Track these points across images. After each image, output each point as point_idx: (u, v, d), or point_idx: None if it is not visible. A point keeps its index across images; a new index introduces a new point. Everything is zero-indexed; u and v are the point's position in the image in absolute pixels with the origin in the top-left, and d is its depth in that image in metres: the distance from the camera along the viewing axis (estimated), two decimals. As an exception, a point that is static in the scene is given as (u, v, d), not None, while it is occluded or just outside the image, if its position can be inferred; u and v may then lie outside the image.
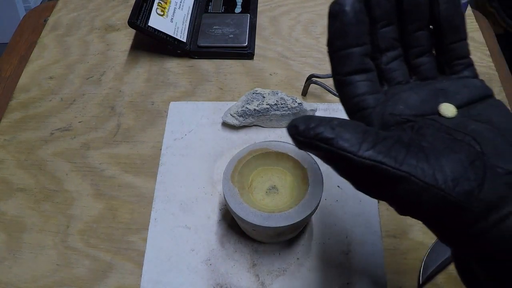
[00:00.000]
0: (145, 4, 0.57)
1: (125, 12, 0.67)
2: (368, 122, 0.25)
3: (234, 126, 0.51)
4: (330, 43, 0.25)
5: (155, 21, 0.57)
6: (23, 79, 0.59)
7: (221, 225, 0.44)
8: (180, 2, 0.62)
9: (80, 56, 0.61)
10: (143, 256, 0.43)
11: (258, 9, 0.65)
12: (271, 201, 0.39)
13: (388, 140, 0.22)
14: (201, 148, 0.50)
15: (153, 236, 0.44)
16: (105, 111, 0.55)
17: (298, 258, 0.42)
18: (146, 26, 0.56)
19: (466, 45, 0.27)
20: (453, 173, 0.21)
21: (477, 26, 0.61)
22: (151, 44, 0.60)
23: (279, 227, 0.36)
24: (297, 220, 0.36)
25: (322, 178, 0.38)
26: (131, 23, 0.55)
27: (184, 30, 0.60)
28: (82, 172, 0.49)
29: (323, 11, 0.64)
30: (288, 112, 0.49)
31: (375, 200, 0.45)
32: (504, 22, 1.24)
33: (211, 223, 0.44)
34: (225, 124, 0.51)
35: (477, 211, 0.20)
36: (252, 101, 0.50)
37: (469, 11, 0.63)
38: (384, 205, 0.45)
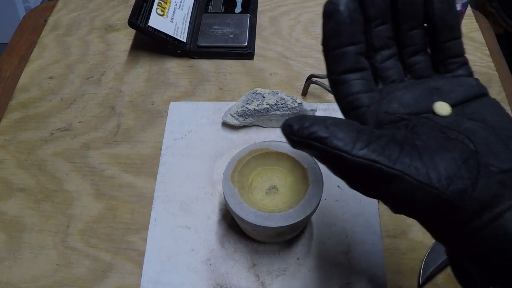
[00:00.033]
0: (145, 4, 0.57)
1: (125, 12, 0.67)
2: (363, 120, 0.25)
3: (234, 126, 0.51)
4: (325, 43, 0.25)
5: (155, 21, 0.57)
6: (23, 79, 0.59)
7: (221, 225, 0.44)
8: (180, 2, 0.62)
9: (80, 56, 0.61)
10: (143, 256, 0.43)
11: (258, 9, 0.65)
12: (271, 201, 0.39)
13: (382, 138, 0.22)
14: (201, 148, 0.50)
15: (153, 236, 0.44)
16: (105, 111, 0.55)
17: (298, 258, 0.42)
18: (146, 26, 0.56)
19: (461, 43, 0.27)
20: (447, 172, 0.21)
21: (477, 26, 0.61)
22: (151, 44, 0.60)
23: (279, 227, 0.36)
24: (297, 220, 0.36)
25: (322, 178, 0.38)
26: (131, 23, 0.55)
27: (184, 30, 0.60)
28: (82, 172, 0.49)
29: (323, 11, 0.64)
30: (288, 112, 0.49)
31: (375, 200, 0.45)
32: (504, 22, 1.24)
33: (211, 223, 0.44)
34: (225, 124, 0.52)
35: (470, 209, 0.20)
36: (252, 101, 0.50)
37: (469, 11, 0.63)
38: (384, 205, 0.45)
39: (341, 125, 0.22)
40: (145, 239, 0.44)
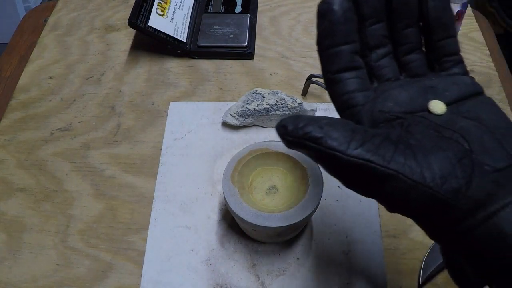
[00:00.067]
0: (145, 4, 0.58)
1: (125, 12, 0.67)
2: (358, 119, 0.25)
3: (234, 126, 0.51)
4: (319, 42, 0.25)
5: (155, 21, 0.57)
6: (23, 79, 0.59)
7: (221, 225, 0.44)
8: (180, 2, 0.62)
9: (80, 56, 0.61)
10: (143, 256, 0.43)
11: (258, 9, 0.65)
12: (271, 201, 0.39)
13: (377, 138, 0.22)
14: (201, 148, 0.50)
15: (153, 236, 0.44)
16: (105, 111, 0.55)
17: (298, 258, 0.42)
18: (146, 26, 0.56)
19: (456, 42, 0.27)
20: (441, 171, 0.21)
21: (477, 26, 0.61)
22: (151, 44, 0.60)
23: (279, 227, 0.36)
24: (297, 220, 0.36)
25: (322, 178, 0.38)
26: (131, 23, 0.55)
27: (184, 30, 0.60)
28: (82, 172, 0.49)
29: (323, 11, 0.64)
30: (288, 112, 0.49)
31: (375, 200, 0.45)
32: (504, 22, 1.24)
33: (211, 223, 0.44)
34: (225, 124, 0.52)
35: (464, 208, 0.21)
36: (252, 101, 0.50)
37: (469, 11, 0.63)
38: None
39: (336, 125, 0.22)
40: (145, 239, 0.44)
